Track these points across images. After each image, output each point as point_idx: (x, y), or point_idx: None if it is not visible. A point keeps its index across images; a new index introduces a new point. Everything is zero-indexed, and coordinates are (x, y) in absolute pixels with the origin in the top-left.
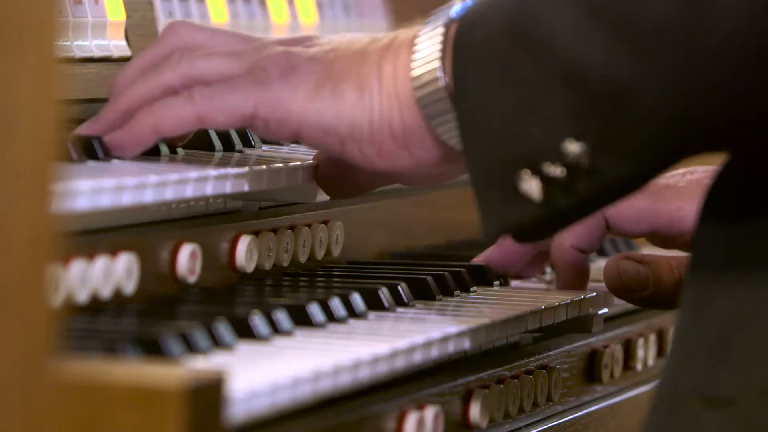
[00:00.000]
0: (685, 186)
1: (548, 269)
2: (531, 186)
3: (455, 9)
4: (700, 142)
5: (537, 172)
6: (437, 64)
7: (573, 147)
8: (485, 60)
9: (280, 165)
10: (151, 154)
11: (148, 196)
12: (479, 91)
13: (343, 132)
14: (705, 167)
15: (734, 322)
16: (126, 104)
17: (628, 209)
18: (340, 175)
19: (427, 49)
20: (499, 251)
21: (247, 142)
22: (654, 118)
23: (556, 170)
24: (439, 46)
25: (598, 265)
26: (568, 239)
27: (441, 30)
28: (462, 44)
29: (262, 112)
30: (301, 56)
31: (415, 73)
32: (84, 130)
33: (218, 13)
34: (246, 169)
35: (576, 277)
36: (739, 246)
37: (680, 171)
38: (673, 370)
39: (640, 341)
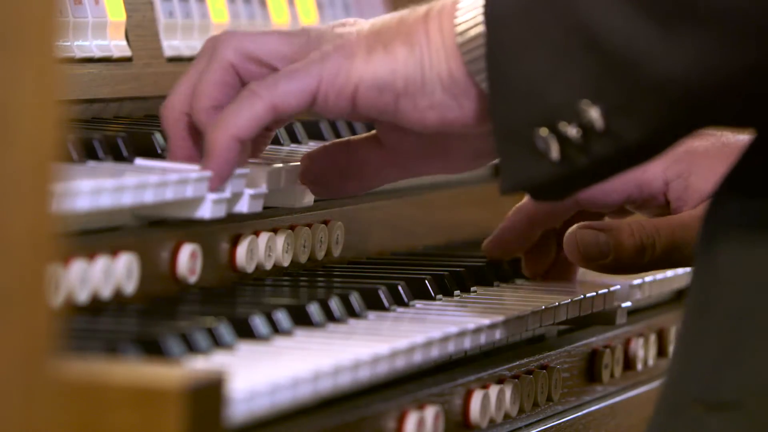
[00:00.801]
0: None
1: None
2: (549, 144)
3: None
4: (718, 114)
5: (554, 130)
6: (480, 10)
7: (589, 108)
8: (515, 17)
9: (280, 165)
10: (152, 155)
11: (149, 197)
12: (507, 47)
13: (398, 87)
14: None
15: (743, 314)
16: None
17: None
18: (334, 173)
19: (471, 2)
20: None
21: None
22: (669, 87)
23: (572, 130)
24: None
25: None
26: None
27: None
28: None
29: (324, 85)
30: (348, 31)
31: (459, 20)
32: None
33: (218, 14)
34: (246, 170)
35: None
36: (757, 222)
37: None
38: (678, 371)
39: (640, 341)
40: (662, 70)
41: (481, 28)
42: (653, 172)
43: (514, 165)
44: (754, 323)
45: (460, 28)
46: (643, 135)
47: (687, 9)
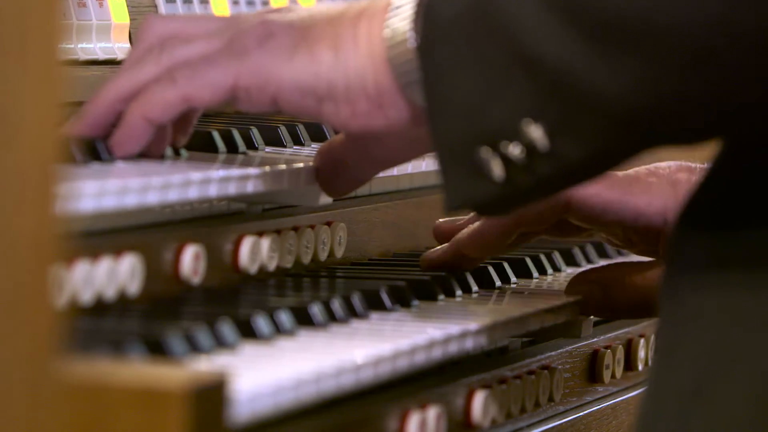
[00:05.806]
0: (654, 182)
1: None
2: (492, 164)
3: None
4: (659, 131)
5: (496, 150)
6: (408, 26)
7: (531, 128)
8: (452, 35)
9: (283, 167)
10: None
11: (152, 198)
12: (444, 65)
13: (321, 92)
14: (667, 163)
15: (711, 352)
16: (111, 98)
17: (597, 198)
18: (334, 172)
19: (401, 11)
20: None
21: (250, 144)
22: (608, 106)
23: (515, 149)
24: (412, 10)
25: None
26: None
27: None
28: (431, 16)
29: (242, 82)
30: (277, 23)
31: (387, 33)
32: (73, 128)
33: None
34: (249, 170)
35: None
36: (719, 255)
37: (646, 167)
38: (648, 409)
39: (641, 341)
40: (601, 88)
41: (411, 43)
42: (657, 208)
43: (457, 184)
44: (721, 361)
45: (388, 43)
46: (587, 154)
47: (616, 34)
